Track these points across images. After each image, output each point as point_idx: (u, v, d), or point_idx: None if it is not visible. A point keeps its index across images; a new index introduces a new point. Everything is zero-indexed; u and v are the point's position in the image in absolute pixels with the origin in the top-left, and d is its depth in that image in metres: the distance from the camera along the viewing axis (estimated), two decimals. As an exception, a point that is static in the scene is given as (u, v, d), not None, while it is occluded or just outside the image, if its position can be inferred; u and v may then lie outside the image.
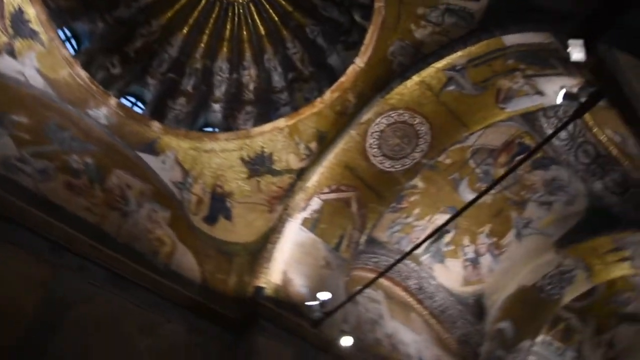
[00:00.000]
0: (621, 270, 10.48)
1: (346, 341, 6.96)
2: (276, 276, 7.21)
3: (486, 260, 10.75)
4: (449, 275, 10.65)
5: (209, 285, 7.16)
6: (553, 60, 6.22)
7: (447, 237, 10.52)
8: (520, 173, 9.97)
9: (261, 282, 7.00)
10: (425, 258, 10.47)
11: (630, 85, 4.95)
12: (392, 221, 9.84)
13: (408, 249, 10.19)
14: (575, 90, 5.95)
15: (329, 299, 7.00)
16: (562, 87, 6.42)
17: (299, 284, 7.34)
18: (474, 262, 10.73)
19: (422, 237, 10.18)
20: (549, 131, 8.74)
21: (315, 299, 7.10)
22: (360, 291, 7.07)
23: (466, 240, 10.63)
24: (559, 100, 5.89)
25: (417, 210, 10.01)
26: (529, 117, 8.65)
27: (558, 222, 10.22)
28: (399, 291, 10.09)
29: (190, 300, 6.57)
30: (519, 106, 7.62)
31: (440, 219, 10.35)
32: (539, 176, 9.96)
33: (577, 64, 5.83)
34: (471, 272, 10.72)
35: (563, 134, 8.82)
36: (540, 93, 7.18)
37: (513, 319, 10.60)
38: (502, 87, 7.38)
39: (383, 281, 9.89)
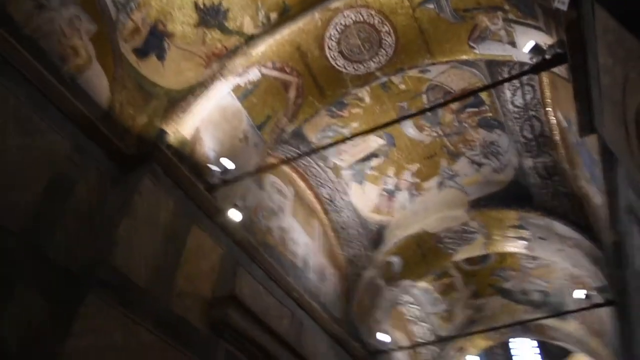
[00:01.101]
0: (515, 247, 10.99)
1: (235, 215, 6.85)
2: (187, 129, 6.83)
3: (402, 196, 10.88)
4: (362, 198, 10.73)
5: (114, 115, 6.64)
6: (537, 9, 5.85)
7: (374, 162, 10.47)
8: (465, 125, 9.91)
9: (169, 129, 6.61)
10: (346, 173, 10.43)
11: (598, 55, 4.71)
12: (327, 125, 9.57)
13: (335, 159, 10.18)
14: (545, 46, 5.68)
15: (232, 169, 6.78)
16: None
17: (207, 146, 7.03)
18: (391, 194, 10.84)
19: (352, 152, 10.20)
20: (508, 93, 8.59)
21: (220, 165, 6.86)
22: (264, 170, 6.87)
23: (391, 172, 10.64)
24: (527, 49, 5.61)
25: (355, 124, 9.77)
26: (493, 71, 8.38)
27: (480, 185, 10.39)
28: (309, 195, 10.08)
29: (86, 120, 6.07)
30: (488, 50, 7.30)
31: (375, 142, 10.26)
32: (481, 135, 9.93)
33: (556, 19, 5.55)
34: (384, 202, 10.85)
35: (519, 101, 8.69)
36: (513, 44, 6.87)
37: (404, 257, 10.99)
38: (480, 23, 6.99)
39: (297, 180, 9.82)
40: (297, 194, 9.67)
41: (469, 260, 13.40)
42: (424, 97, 9.51)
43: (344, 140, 6.94)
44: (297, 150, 9.28)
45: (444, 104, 6.08)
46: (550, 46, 5.65)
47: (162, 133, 6.25)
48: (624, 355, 9.30)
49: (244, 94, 7.52)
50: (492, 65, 8.09)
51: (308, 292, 8.61)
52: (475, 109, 9.55)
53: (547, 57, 5.49)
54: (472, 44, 7.35)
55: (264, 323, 6.60)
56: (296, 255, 8.84)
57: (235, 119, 7.49)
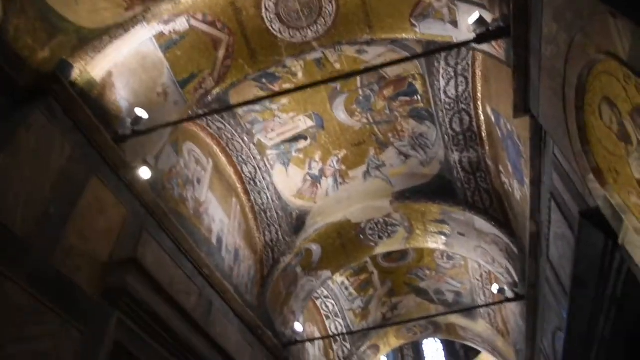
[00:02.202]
0: (435, 243, 11.03)
1: (145, 173, 6.10)
2: (98, 71, 5.97)
3: (327, 183, 10.55)
4: (286, 180, 10.26)
5: (7, 39, 5.64)
6: (483, -16, 5.76)
7: (302, 144, 10.06)
8: (396, 114, 9.79)
9: (77, 67, 5.74)
10: (271, 153, 9.91)
11: (542, 26, 4.61)
12: (255, 97, 9.00)
13: (260, 136, 9.63)
14: (489, 19, 5.57)
15: (145, 119, 6.02)
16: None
17: (120, 94, 6.21)
18: (315, 180, 10.47)
19: (278, 131, 9.71)
20: (442, 81, 8.55)
21: (132, 115, 6.08)
22: (183, 121, 6.20)
23: (317, 156, 10.28)
24: (471, 20, 5.46)
25: (284, 101, 9.32)
26: (430, 60, 8.31)
27: (405, 177, 10.31)
28: (230, 171, 9.44)
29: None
30: (429, 30, 7.14)
31: (304, 122, 9.86)
32: (411, 126, 9.86)
33: (501, -5, 5.46)
34: (308, 188, 10.45)
35: (451, 92, 8.68)
36: (454, 23, 6.74)
37: (324, 246, 10.63)
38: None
39: (218, 153, 9.17)
40: (216, 167, 9.00)
41: (387, 258, 13.41)
42: (358, 79, 9.27)
43: (270, 96, 6.41)
44: (221, 119, 8.64)
45: (378, 68, 5.75)
46: (494, 20, 5.54)
47: (66, 65, 5.38)
48: (528, 349, 9.55)
49: (167, 44, 6.79)
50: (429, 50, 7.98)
51: (221, 272, 7.95)
52: (408, 98, 9.46)
53: (490, 29, 5.37)
54: (413, 22, 7.16)
55: (168, 295, 5.89)
56: (211, 231, 8.16)
57: (155, 70, 6.73)
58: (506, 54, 5.89)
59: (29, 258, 4.36)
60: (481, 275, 12.67)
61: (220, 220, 8.63)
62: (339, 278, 13.22)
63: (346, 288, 13.55)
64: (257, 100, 6.52)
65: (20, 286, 4.20)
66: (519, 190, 8.04)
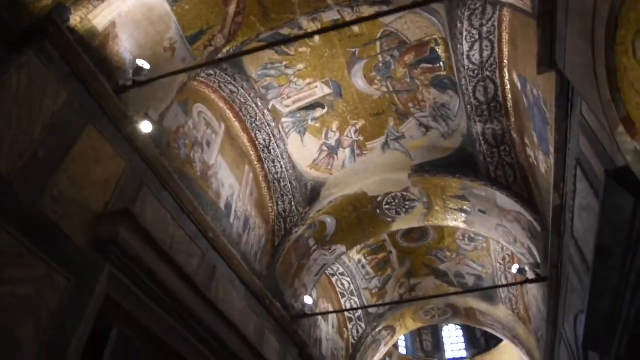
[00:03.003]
0: (455, 220, 10.58)
1: (146, 127, 5.89)
2: (100, 20, 5.76)
3: (344, 154, 10.21)
4: (301, 150, 9.97)
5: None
6: None
7: (318, 112, 9.72)
8: (417, 83, 9.32)
9: (78, 14, 5.54)
10: (287, 121, 9.61)
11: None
12: (270, 61, 8.72)
13: (276, 103, 9.33)
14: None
15: (147, 70, 5.79)
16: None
17: (123, 46, 5.99)
18: (332, 150, 10.14)
19: (294, 98, 9.39)
20: (465, 45, 8.02)
21: (135, 66, 5.86)
22: (183, 71, 5.94)
23: (335, 126, 9.94)
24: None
25: (300, 66, 8.97)
26: (452, 19, 7.79)
27: (425, 150, 9.86)
28: (243, 138, 9.19)
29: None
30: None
31: (321, 90, 9.51)
32: (433, 95, 9.38)
33: None
34: (324, 158, 10.14)
35: (475, 57, 8.13)
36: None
37: (339, 219, 10.32)
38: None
39: (231, 118, 8.92)
40: (229, 132, 8.76)
41: (407, 237, 13.02)
42: (378, 44, 8.84)
43: (282, 42, 6.06)
44: (234, 82, 8.36)
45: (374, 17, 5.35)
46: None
47: (63, 9, 5.17)
48: (548, 335, 9.07)
49: (175, -4, 6.53)
50: (453, 11, 7.49)
51: (227, 237, 7.75)
52: (430, 65, 8.98)
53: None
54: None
55: (165, 253, 5.69)
56: (219, 195, 7.95)
57: (162, 23, 6.48)
58: (533, 4, 5.39)
59: (13, 199, 4.19)
60: (503, 259, 12.15)
61: (230, 185, 8.41)
62: (355, 255, 12.92)
63: (363, 266, 13.24)
64: (270, 46, 6.14)
65: (5, 230, 4.05)
66: (544, 163, 7.52)
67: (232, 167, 8.62)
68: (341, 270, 12.71)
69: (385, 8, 8.20)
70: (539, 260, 8.64)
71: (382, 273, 13.69)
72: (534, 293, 10.63)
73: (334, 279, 12.81)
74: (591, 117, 4.80)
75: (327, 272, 12.44)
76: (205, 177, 7.65)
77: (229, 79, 8.27)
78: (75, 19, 5.43)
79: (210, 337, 6.57)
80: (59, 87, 5.01)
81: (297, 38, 5.87)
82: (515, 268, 8.70)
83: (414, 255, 13.49)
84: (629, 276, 4.67)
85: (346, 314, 13.10)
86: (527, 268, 8.65)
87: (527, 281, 8.44)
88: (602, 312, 5.42)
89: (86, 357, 4.81)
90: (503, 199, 8.97)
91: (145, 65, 5.76)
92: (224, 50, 7.37)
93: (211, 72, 7.97)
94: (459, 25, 7.58)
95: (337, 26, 5.44)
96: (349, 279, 13.01)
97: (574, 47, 4.46)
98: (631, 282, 4.69)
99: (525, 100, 7.71)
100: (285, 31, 8.34)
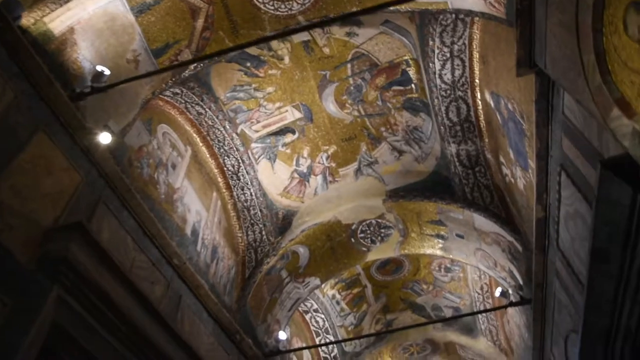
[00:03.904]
0: (432, 247, 10.27)
1: (105, 139, 5.43)
2: (57, 25, 5.34)
3: (315, 182, 9.87)
4: (272, 177, 9.58)
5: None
6: None
7: (289, 138, 9.43)
8: (389, 106, 9.21)
9: (32, 16, 5.13)
10: (256, 147, 9.25)
11: None
12: (239, 82, 8.44)
13: (244, 127, 9.00)
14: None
15: (107, 75, 5.38)
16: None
17: (82, 54, 5.58)
18: (304, 177, 9.79)
19: (264, 123, 9.10)
20: (437, 63, 7.98)
21: (94, 73, 5.44)
22: (146, 75, 5.54)
23: (306, 152, 9.64)
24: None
25: (270, 89, 8.73)
26: (424, 38, 7.76)
27: (399, 174, 9.64)
28: (211, 164, 8.75)
29: None
30: (421, -4, 6.62)
31: (291, 114, 9.26)
32: (405, 119, 9.27)
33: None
34: (295, 185, 9.76)
35: (447, 77, 8.09)
36: (450, -13, 6.24)
37: (312, 249, 9.85)
38: (417, -39, 6.33)
39: (198, 143, 8.51)
40: (195, 157, 8.32)
41: (382, 270, 12.62)
42: (349, 66, 8.73)
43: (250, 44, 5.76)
44: (201, 102, 8.01)
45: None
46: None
47: (14, 4, 4.75)
48: (535, 356, 8.65)
49: (140, 7, 6.21)
50: (424, 28, 7.46)
51: (194, 266, 7.16)
52: (402, 88, 8.90)
53: None
54: (405, -11, 6.65)
55: (124, 277, 5.10)
56: (185, 221, 7.41)
57: (125, 34, 6.14)
58: (507, 10, 5.35)
59: (-56, 207, 3.63)
60: (481, 288, 11.84)
61: (197, 212, 7.89)
62: (329, 291, 12.35)
63: (337, 302, 12.65)
64: (244, 46, 5.85)
65: None
66: (522, 179, 7.37)
67: (199, 193, 8.13)
68: (315, 306, 12.09)
69: (356, 29, 8.19)
70: (521, 283, 8.35)
71: (358, 309, 13.11)
72: (515, 321, 10.27)
73: (307, 316, 12.15)
74: (575, 114, 4.65)
75: (300, 308, 11.80)
76: (170, 200, 7.13)
77: (196, 99, 7.92)
78: (28, 20, 5.03)
79: (175, 375, 5.88)
80: (4, 85, 4.52)
81: (268, 39, 5.61)
82: (498, 291, 8.37)
83: (389, 289, 13.02)
84: (628, 280, 4.38)
85: (322, 354, 12.36)
86: (510, 291, 8.33)
87: (511, 304, 8.09)
88: (598, 325, 5.10)
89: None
90: (481, 221, 8.74)
91: (105, 71, 5.36)
92: (191, 67, 7.06)
93: (177, 90, 7.61)
94: (430, 42, 7.54)
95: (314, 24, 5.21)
96: (323, 316, 12.37)
97: (555, 41, 4.34)
98: (631, 286, 4.40)
99: (498, 117, 7.64)
100: (254, 51, 8.18)
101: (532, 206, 6.75)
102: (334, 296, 12.43)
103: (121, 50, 6.15)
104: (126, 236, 5.72)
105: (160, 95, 7.53)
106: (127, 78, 5.97)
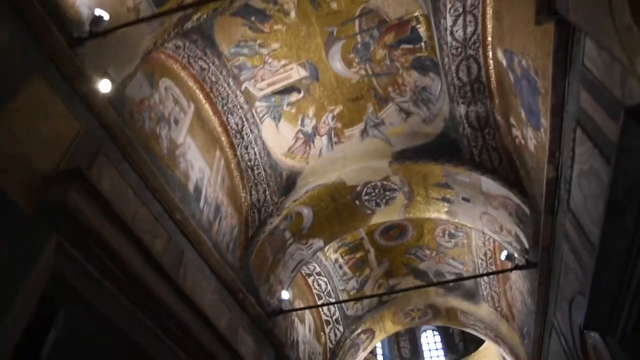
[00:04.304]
0: (437, 211, 10.15)
1: (105, 86, 5.24)
2: (51, -33, 5.14)
3: (320, 142, 9.70)
4: (276, 137, 9.40)
5: None
6: None
7: (294, 97, 9.20)
8: (397, 65, 8.94)
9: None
10: (260, 105, 9.05)
11: None
12: (243, 38, 8.17)
13: (249, 85, 8.77)
14: None
15: (106, 20, 5.15)
16: None
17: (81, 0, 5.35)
18: (308, 138, 9.61)
19: (268, 81, 8.86)
20: (449, 19, 7.66)
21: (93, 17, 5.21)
22: (147, 19, 5.31)
23: (311, 112, 9.43)
24: None
25: (275, 45, 8.46)
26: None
27: (406, 136, 9.44)
28: (215, 122, 8.55)
29: None
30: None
31: (297, 72, 9.00)
32: (413, 78, 9.01)
33: None
34: (300, 146, 9.60)
35: (458, 34, 7.78)
36: None
37: (316, 210, 9.75)
38: None
39: (201, 99, 8.29)
40: (198, 114, 8.12)
41: (385, 235, 12.55)
42: (357, 22, 8.43)
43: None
44: (204, 57, 7.77)
45: None
46: None
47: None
48: (537, 327, 8.65)
49: (139, -49, 5.93)
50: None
51: (197, 222, 7.07)
52: (411, 46, 8.61)
53: None
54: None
55: (126, 227, 5.00)
56: (187, 177, 7.28)
57: (123, -19, 5.87)
58: (528, -45, 5.05)
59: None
60: (485, 254, 11.78)
61: (200, 169, 7.75)
62: (332, 255, 12.33)
63: (340, 267, 12.64)
64: None
65: None
66: (533, 139, 7.17)
67: (202, 150, 7.97)
68: (318, 269, 12.09)
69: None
70: (527, 247, 8.26)
71: (360, 274, 13.12)
72: (518, 287, 10.25)
73: (310, 279, 12.16)
74: (596, 63, 4.43)
75: (303, 271, 11.80)
76: (172, 155, 6.98)
77: (199, 53, 7.66)
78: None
79: (179, 329, 5.84)
80: (-1, 27, 4.32)
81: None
82: (503, 254, 8.28)
83: (392, 254, 12.99)
84: (641, 237, 4.26)
85: (323, 317, 12.43)
86: (515, 254, 8.24)
87: (517, 267, 8.02)
88: (608, 283, 5.00)
89: (27, 344, 4.05)
90: (488, 184, 8.59)
91: (104, 15, 5.12)
92: (194, 18, 6.79)
93: (180, 43, 7.36)
94: (439, 8, 7.22)
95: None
96: (325, 280, 12.38)
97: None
98: (645, 242, 4.28)
99: (511, 76, 7.39)
100: (259, 5, 7.88)
101: (543, 167, 6.58)
102: (336, 260, 12.42)
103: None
104: (127, 188, 5.59)
105: (162, 49, 7.29)
106: (130, 33, 5.78)
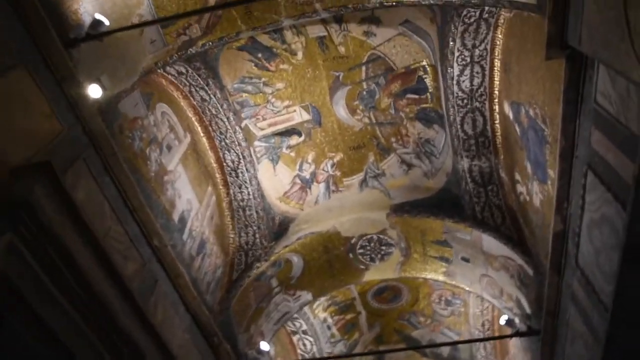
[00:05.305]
0: (434, 271, 9.63)
1: (95, 92, 5.04)
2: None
3: (317, 189, 9.37)
4: (272, 179, 9.11)
5: None
6: None
7: (294, 140, 9.01)
8: (402, 115, 8.82)
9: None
10: (259, 145, 8.84)
11: None
12: (248, 74, 8.12)
13: (249, 123, 8.64)
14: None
15: (106, 25, 5.03)
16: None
17: (84, 7, 5.19)
18: (305, 184, 9.30)
19: (270, 121, 8.75)
20: (456, 68, 7.59)
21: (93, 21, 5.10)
22: (145, 25, 5.17)
23: (310, 157, 9.20)
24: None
25: (280, 85, 8.40)
26: (444, 42, 7.41)
27: (406, 189, 9.14)
28: (210, 157, 8.32)
29: None
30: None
31: (299, 115, 8.89)
32: (417, 130, 8.86)
33: None
34: (296, 192, 9.27)
35: (465, 84, 7.72)
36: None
37: (307, 260, 9.22)
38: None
39: (199, 132, 8.12)
40: (194, 146, 7.89)
41: (379, 297, 11.91)
42: (363, 69, 8.42)
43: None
44: (206, 87, 7.66)
45: None
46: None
47: None
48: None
49: (151, -27, 5.96)
50: (445, 26, 7.14)
51: (176, 253, 6.59)
52: (416, 96, 8.54)
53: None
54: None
55: (93, 237, 4.58)
56: (173, 206, 6.91)
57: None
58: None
59: None
60: (483, 325, 11.07)
61: (189, 200, 7.39)
62: (321, 313, 11.60)
63: (329, 327, 11.87)
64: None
65: None
66: (539, 193, 6.85)
67: (193, 182, 7.65)
68: (304, 327, 11.31)
69: (374, 28, 7.92)
70: (529, 312, 7.66)
71: (349, 337, 12.30)
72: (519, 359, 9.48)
73: (295, 338, 11.36)
74: (611, 97, 4.19)
75: (288, 328, 11.04)
76: (159, 180, 6.65)
77: (202, 82, 7.55)
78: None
79: (140, 365, 5.22)
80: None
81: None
82: (503, 319, 7.67)
83: (385, 319, 12.24)
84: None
85: (306, 381, 11.48)
86: (516, 320, 7.64)
87: (517, 334, 7.37)
88: (624, 330, 4.48)
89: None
90: (490, 243, 8.15)
91: (105, 20, 5.01)
92: (199, 43, 6.74)
93: (183, 70, 7.27)
94: (450, 43, 7.19)
95: None
96: (312, 340, 11.56)
97: (595, 6, 3.93)
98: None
99: (517, 129, 7.22)
100: (267, 42, 7.89)
101: (549, 222, 6.20)
102: (325, 320, 11.67)
103: (127, 12, 5.82)
104: (104, 202, 5.21)
105: (165, 74, 7.22)
106: (133, 52, 5.72)
